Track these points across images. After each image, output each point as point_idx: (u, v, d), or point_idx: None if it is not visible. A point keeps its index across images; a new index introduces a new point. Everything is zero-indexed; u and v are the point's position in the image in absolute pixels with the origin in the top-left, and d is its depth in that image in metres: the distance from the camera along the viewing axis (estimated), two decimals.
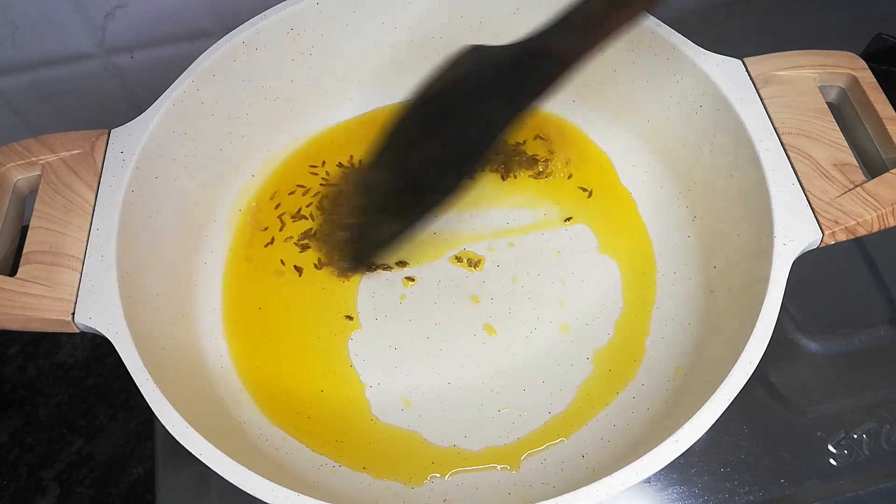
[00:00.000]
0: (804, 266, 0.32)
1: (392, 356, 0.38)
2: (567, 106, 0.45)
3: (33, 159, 0.35)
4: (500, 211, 0.42)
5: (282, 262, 0.41)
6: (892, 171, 0.34)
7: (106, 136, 0.36)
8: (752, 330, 0.30)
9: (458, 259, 0.40)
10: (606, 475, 0.27)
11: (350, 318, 0.39)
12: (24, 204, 0.37)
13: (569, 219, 0.41)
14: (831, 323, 0.41)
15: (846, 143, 0.34)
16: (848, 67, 0.36)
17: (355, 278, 0.40)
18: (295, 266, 0.40)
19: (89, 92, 0.47)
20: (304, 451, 0.35)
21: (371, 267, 0.40)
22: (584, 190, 0.42)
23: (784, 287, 0.31)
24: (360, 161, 0.43)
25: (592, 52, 0.31)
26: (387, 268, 0.40)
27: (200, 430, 0.29)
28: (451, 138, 0.34)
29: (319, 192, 0.43)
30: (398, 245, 0.39)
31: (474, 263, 0.40)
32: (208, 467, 0.28)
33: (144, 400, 0.30)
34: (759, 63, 0.37)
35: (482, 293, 0.39)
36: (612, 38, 0.30)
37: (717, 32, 0.52)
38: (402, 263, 0.40)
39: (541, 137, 0.44)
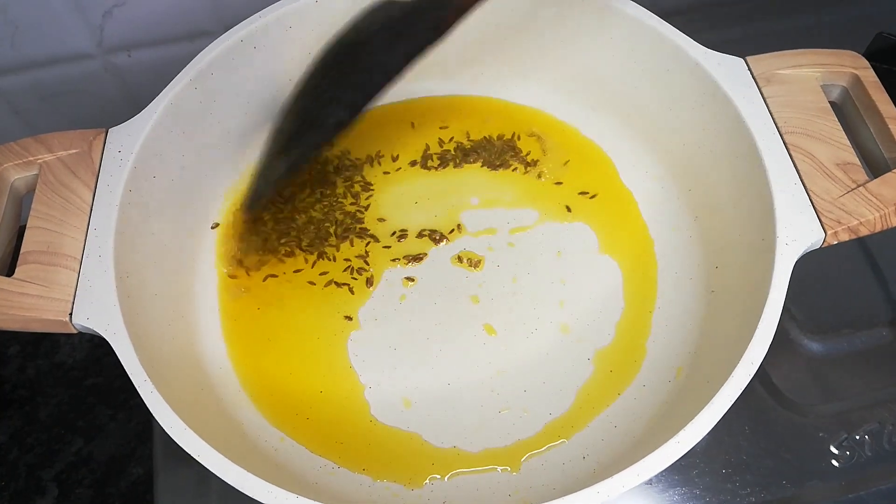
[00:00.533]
0: (806, 266, 0.32)
1: (392, 356, 0.37)
2: (568, 107, 0.45)
3: (31, 159, 0.35)
4: (500, 211, 0.42)
5: (280, 261, 0.40)
6: (894, 170, 0.34)
7: (103, 135, 0.36)
8: (753, 330, 0.30)
9: (459, 259, 0.40)
10: (607, 476, 0.27)
11: (349, 318, 0.39)
12: (22, 204, 0.37)
13: (569, 219, 0.41)
14: (833, 323, 0.41)
15: (849, 143, 0.34)
16: (850, 66, 0.36)
17: (355, 278, 0.40)
18: (294, 267, 0.40)
19: (88, 91, 0.47)
20: (304, 452, 0.35)
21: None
22: (585, 191, 0.42)
23: (786, 287, 0.31)
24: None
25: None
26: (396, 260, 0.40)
27: (199, 431, 0.29)
28: (345, 80, 0.36)
29: (318, 192, 0.43)
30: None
31: (474, 263, 0.40)
32: (207, 468, 0.28)
33: (143, 400, 0.29)
34: (762, 62, 0.37)
35: (482, 293, 0.39)
36: None
37: (719, 31, 0.52)
38: (406, 259, 0.40)
39: (535, 135, 0.44)
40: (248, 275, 0.40)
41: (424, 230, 0.41)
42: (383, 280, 0.40)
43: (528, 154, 0.43)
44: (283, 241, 0.41)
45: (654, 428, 0.34)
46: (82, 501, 0.43)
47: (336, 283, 0.40)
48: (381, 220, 0.42)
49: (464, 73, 0.46)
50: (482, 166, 0.43)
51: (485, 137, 0.44)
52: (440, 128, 0.45)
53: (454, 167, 0.43)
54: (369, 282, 0.40)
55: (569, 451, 0.34)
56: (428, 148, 0.44)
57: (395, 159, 0.44)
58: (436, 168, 0.43)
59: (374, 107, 0.45)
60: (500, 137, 0.44)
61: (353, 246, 0.41)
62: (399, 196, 0.43)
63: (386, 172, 0.43)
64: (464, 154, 0.44)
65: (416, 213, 0.42)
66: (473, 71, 0.46)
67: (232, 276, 0.40)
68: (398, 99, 0.46)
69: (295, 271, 0.40)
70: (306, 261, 0.40)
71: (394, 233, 0.41)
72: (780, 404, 0.38)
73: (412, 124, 0.45)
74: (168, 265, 0.38)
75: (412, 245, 0.41)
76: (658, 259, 0.39)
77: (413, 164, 0.44)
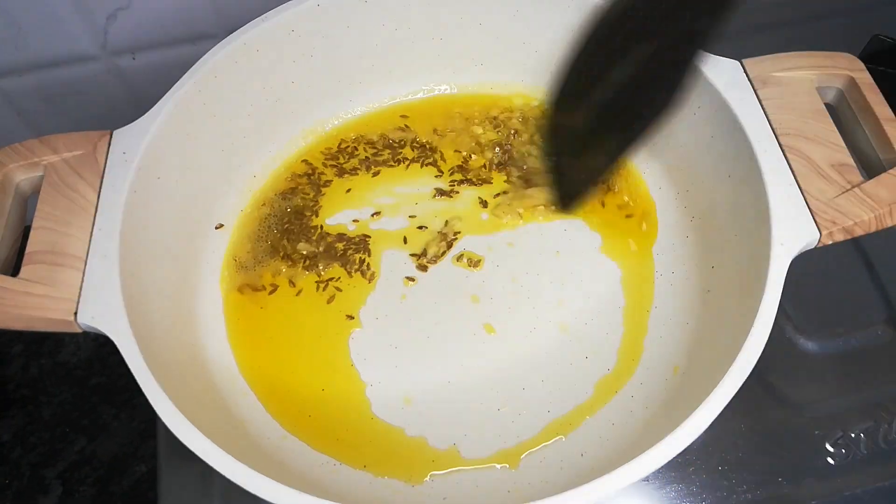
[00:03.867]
0: (802, 266, 0.33)
1: (392, 355, 0.38)
2: None
3: (36, 160, 0.36)
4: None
5: (283, 260, 0.41)
6: (889, 171, 0.34)
7: (108, 136, 0.36)
8: (749, 329, 0.30)
9: (458, 259, 0.41)
10: (605, 474, 0.27)
11: (351, 317, 0.39)
12: (27, 204, 0.37)
13: (568, 219, 0.41)
14: (829, 322, 0.41)
15: (844, 144, 0.35)
16: (846, 69, 0.37)
17: (357, 278, 0.40)
18: (296, 266, 0.41)
19: (92, 93, 0.48)
20: (306, 449, 0.35)
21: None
22: None
23: (782, 287, 0.31)
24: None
25: None
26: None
27: (202, 429, 0.29)
28: (645, 56, 0.29)
29: (320, 192, 0.43)
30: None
31: (474, 263, 0.40)
32: (210, 466, 0.28)
33: (147, 399, 0.30)
34: (758, 64, 0.37)
35: (482, 293, 0.39)
36: None
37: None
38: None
39: (535, 136, 0.44)
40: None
41: (424, 229, 0.41)
42: (384, 279, 0.40)
43: (527, 155, 0.44)
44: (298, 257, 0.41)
45: (651, 425, 0.34)
46: (86, 500, 0.43)
47: (337, 283, 0.40)
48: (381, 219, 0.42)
49: (463, 73, 0.46)
50: (482, 166, 0.44)
51: (484, 139, 0.45)
52: (435, 130, 0.45)
53: (456, 168, 0.44)
54: (370, 281, 0.40)
55: (567, 449, 0.35)
56: (432, 152, 0.45)
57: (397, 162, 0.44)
58: (440, 173, 0.44)
59: (382, 109, 0.46)
60: (497, 137, 0.45)
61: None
62: (400, 195, 0.43)
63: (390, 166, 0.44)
64: (463, 155, 0.44)
65: (417, 211, 0.42)
66: (473, 71, 0.46)
67: (255, 290, 0.40)
68: (397, 100, 0.46)
69: (304, 267, 0.41)
70: (308, 261, 0.41)
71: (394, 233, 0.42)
72: (776, 402, 0.39)
73: (404, 127, 0.45)
74: (172, 265, 0.38)
75: (412, 244, 0.41)
76: (655, 259, 0.40)
77: (414, 160, 0.44)
